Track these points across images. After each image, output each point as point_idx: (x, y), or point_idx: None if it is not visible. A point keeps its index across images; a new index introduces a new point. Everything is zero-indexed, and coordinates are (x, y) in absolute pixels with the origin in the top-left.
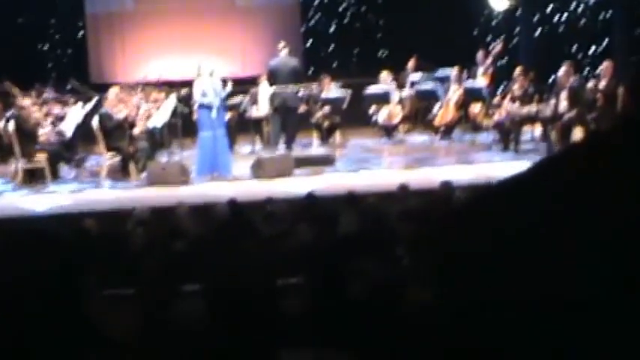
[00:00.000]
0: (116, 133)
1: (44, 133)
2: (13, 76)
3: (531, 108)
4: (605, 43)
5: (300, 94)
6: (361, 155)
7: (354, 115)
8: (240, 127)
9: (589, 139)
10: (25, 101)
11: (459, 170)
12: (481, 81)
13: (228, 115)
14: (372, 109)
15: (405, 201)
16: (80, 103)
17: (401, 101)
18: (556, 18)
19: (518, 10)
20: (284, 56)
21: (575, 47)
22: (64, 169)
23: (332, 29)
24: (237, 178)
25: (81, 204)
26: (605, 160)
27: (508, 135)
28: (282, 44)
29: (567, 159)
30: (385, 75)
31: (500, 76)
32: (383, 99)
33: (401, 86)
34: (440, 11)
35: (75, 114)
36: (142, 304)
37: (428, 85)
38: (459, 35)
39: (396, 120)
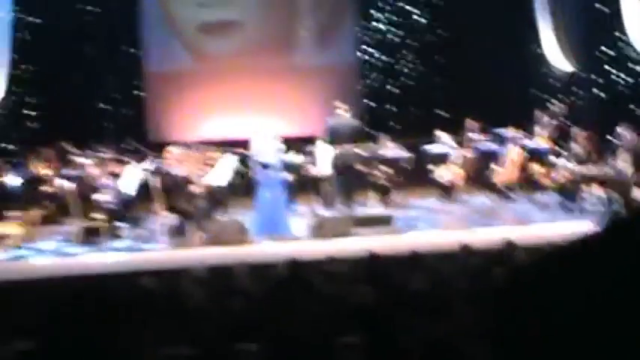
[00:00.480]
0: (174, 191)
1: (102, 191)
2: (71, 135)
3: (591, 168)
4: None
5: (359, 153)
6: (420, 215)
7: (413, 175)
8: (299, 186)
9: None
10: (83, 160)
11: (520, 230)
12: (541, 141)
13: (287, 175)
14: (431, 168)
15: (465, 260)
16: (138, 162)
17: (460, 161)
18: (617, 79)
19: (578, 70)
20: (343, 116)
21: (635, 108)
22: (122, 228)
23: (391, 89)
24: (296, 238)
25: (139, 262)
26: None
27: (568, 195)
28: (340, 104)
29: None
30: (444, 135)
31: (560, 137)
32: (442, 158)
33: (460, 146)
34: (499, 71)
35: (133, 173)
36: None
37: (487, 145)
38: (518, 95)
39: (455, 179)
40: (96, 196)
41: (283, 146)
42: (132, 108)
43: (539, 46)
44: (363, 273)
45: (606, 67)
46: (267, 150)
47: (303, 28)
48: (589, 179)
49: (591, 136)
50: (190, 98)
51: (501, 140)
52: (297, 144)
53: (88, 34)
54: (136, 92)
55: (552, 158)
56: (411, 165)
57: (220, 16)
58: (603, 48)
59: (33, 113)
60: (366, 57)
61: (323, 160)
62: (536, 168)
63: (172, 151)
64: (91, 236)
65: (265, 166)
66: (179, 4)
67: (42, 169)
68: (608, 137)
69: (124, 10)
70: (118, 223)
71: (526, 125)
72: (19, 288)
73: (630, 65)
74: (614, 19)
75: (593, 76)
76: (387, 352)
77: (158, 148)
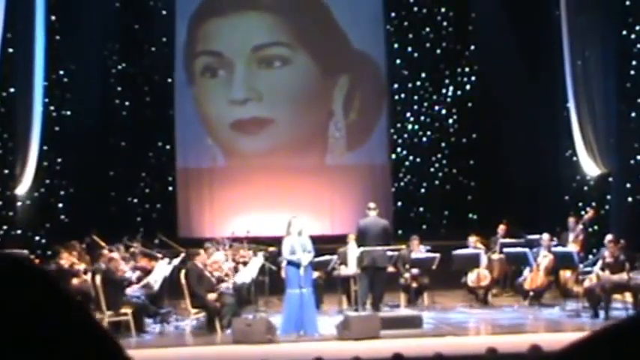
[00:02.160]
0: (202, 288)
1: (131, 286)
2: (102, 229)
3: (622, 276)
4: None
5: (389, 254)
6: (449, 318)
7: (443, 278)
8: (328, 285)
9: None
10: (113, 254)
11: (548, 336)
12: (572, 247)
13: (316, 274)
14: (462, 271)
15: None
16: (168, 258)
17: (490, 264)
18: None
19: (610, 176)
20: (374, 216)
21: None
22: (150, 323)
23: (422, 190)
24: (324, 338)
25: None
26: None
27: (598, 303)
28: (372, 205)
29: None
30: (474, 238)
31: (591, 243)
32: (472, 262)
33: (490, 250)
34: (531, 176)
35: (162, 268)
36: None
37: (518, 250)
38: (549, 201)
39: (484, 283)
40: (124, 290)
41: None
42: (164, 203)
43: (574, 152)
44: None
45: (638, 172)
46: (297, 248)
47: (335, 127)
48: (619, 287)
49: (623, 243)
50: (222, 195)
51: (532, 246)
52: (329, 243)
53: (121, 129)
54: (168, 188)
55: (583, 265)
56: (440, 268)
57: (253, 114)
58: (635, 153)
59: (62, 205)
60: (399, 158)
61: (353, 260)
62: (566, 275)
63: (204, 248)
64: (117, 330)
65: (295, 264)
66: (213, 102)
67: (71, 262)
68: None
69: (159, 107)
70: (145, 319)
71: (558, 231)
72: None
73: None
74: None
75: (625, 182)
76: None
77: (189, 244)
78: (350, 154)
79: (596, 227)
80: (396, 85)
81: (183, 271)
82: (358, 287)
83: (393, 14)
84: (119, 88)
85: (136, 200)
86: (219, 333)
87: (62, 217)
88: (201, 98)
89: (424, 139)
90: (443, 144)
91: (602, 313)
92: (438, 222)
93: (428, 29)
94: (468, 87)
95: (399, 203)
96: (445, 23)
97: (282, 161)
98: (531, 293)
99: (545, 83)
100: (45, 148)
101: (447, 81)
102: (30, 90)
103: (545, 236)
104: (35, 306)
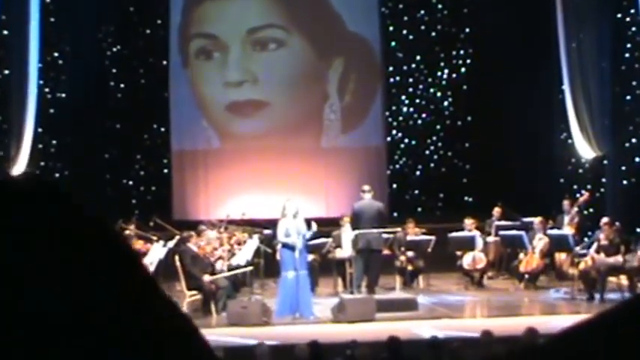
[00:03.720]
0: (197, 270)
1: None
2: (96, 210)
3: (617, 258)
4: None
5: (384, 237)
6: (444, 300)
7: (438, 260)
8: (323, 268)
9: None
10: None
11: (543, 319)
12: (567, 230)
13: (311, 257)
14: (457, 254)
15: (488, 347)
16: (163, 240)
17: (485, 247)
18: None
19: (605, 159)
20: (368, 199)
21: None
22: None
23: (417, 173)
24: (319, 320)
25: None
26: None
27: (593, 285)
28: (367, 187)
29: None
30: (470, 221)
31: (587, 226)
32: (467, 244)
33: (485, 233)
34: (526, 159)
35: (157, 251)
36: None
37: (513, 232)
38: (545, 183)
39: (480, 266)
40: None
41: (310, 227)
42: (158, 186)
43: (569, 134)
44: (384, 358)
45: (633, 155)
46: (292, 231)
47: (330, 109)
48: (614, 270)
49: (618, 226)
50: (217, 177)
51: (528, 228)
52: (323, 225)
53: (117, 111)
54: (163, 170)
55: (578, 248)
56: (435, 250)
57: (248, 96)
58: (629, 136)
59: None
60: (394, 140)
61: (348, 243)
62: (562, 257)
63: (198, 230)
64: None
65: (289, 246)
66: (208, 84)
67: None
68: (635, 227)
69: (154, 89)
70: None
71: (554, 214)
72: None
73: None
74: None
75: (620, 165)
76: None
77: (184, 226)
78: (345, 137)
79: (591, 210)
80: (391, 68)
81: (178, 254)
82: (353, 270)
83: None
84: (114, 71)
85: (131, 183)
86: (214, 315)
87: None
88: (196, 80)
89: (419, 121)
90: (438, 126)
91: (597, 296)
92: (434, 204)
93: (423, 12)
94: (463, 69)
95: (394, 186)
96: (440, 6)
97: (278, 143)
98: (527, 276)
99: (540, 66)
100: (40, 130)
101: (442, 63)
102: (25, 72)
103: (540, 218)
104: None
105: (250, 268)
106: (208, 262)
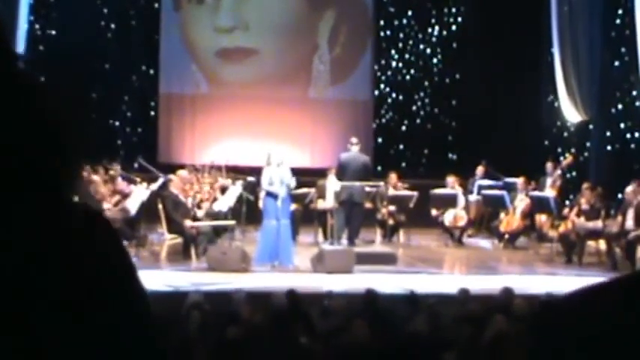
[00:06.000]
0: (179, 215)
1: (108, 209)
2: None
3: (597, 223)
4: None
5: (367, 190)
6: (423, 256)
7: (420, 216)
8: (305, 218)
9: None
10: (93, 177)
11: (520, 279)
12: (549, 192)
13: (293, 206)
14: (438, 211)
15: (464, 305)
16: (147, 182)
17: (467, 205)
18: (628, 135)
19: (590, 124)
20: (355, 152)
21: None
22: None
23: (403, 128)
24: (298, 270)
25: None
26: None
27: (572, 248)
28: (354, 140)
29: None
30: (452, 178)
31: (569, 189)
32: (449, 202)
33: (467, 191)
34: (512, 120)
35: (140, 193)
36: None
37: (495, 192)
38: (529, 145)
39: (460, 223)
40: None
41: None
42: (145, 128)
43: (556, 97)
44: (360, 310)
45: (619, 121)
46: (276, 179)
47: (320, 60)
48: (594, 234)
49: (599, 190)
50: (203, 122)
51: (510, 189)
52: (308, 175)
53: (106, 51)
54: (150, 112)
55: (559, 210)
56: (417, 205)
57: (238, 43)
58: (616, 102)
59: None
60: (382, 95)
61: (331, 194)
62: (542, 219)
63: (181, 174)
64: None
65: (273, 195)
66: (199, 29)
67: None
68: (617, 193)
69: (144, 31)
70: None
71: (537, 176)
72: None
73: None
74: (631, 71)
75: (605, 130)
76: None
77: (168, 169)
78: (333, 89)
79: (574, 173)
80: (382, 22)
81: (161, 197)
82: (334, 221)
83: None
84: (105, 10)
85: (117, 123)
86: (194, 260)
87: None
88: (187, 25)
89: (407, 77)
90: (426, 83)
91: (575, 259)
92: (418, 160)
93: None
94: (453, 27)
95: (380, 140)
96: None
97: (265, 92)
98: (506, 236)
99: (531, 27)
100: (29, 67)
101: (433, 20)
102: (15, 7)
103: (523, 179)
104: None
105: (233, 222)
106: (190, 207)
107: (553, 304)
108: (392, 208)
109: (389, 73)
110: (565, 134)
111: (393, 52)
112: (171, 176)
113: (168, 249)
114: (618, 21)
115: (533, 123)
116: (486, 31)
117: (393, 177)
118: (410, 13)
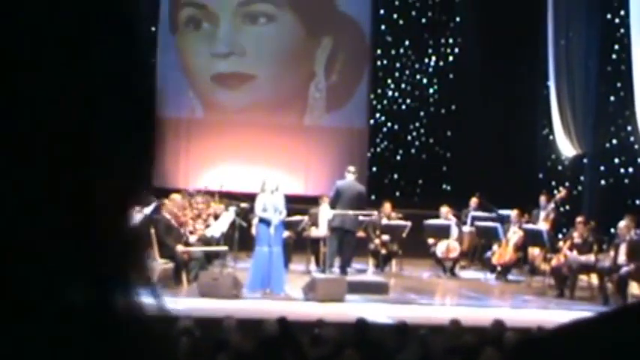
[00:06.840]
0: (171, 239)
1: None
2: None
3: (590, 257)
4: None
5: (360, 219)
6: (415, 286)
7: (412, 246)
8: (298, 245)
9: None
10: None
11: (512, 312)
12: (542, 225)
13: (286, 233)
14: (431, 241)
15: (455, 336)
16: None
17: (460, 236)
18: (622, 170)
19: (585, 158)
20: (352, 180)
21: (638, 201)
22: None
23: (398, 158)
24: (289, 297)
25: None
26: None
27: (564, 282)
28: (352, 168)
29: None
30: (446, 209)
31: (562, 223)
32: (443, 232)
33: (461, 222)
34: (507, 152)
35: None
36: None
37: (489, 224)
38: (523, 177)
39: (453, 254)
40: None
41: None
42: None
43: (551, 130)
44: (351, 339)
45: (613, 156)
46: (269, 206)
47: (316, 88)
48: (586, 268)
49: (592, 225)
50: (198, 147)
51: (504, 221)
52: (301, 203)
53: None
54: None
55: (552, 243)
56: (410, 236)
57: (235, 69)
58: (611, 136)
59: None
60: (377, 124)
61: (324, 222)
62: (535, 252)
63: (174, 199)
64: None
65: (266, 221)
66: (195, 54)
67: None
68: (610, 228)
69: None
70: None
71: (530, 208)
72: None
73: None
74: (627, 106)
75: (599, 165)
76: None
77: (161, 194)
78: (328, 116)
79: (567, 207)
80: (379, 51)
81: (152, 221)
82: (327, 249)
83: None
84: None
85: None
86: (185, 285)
87: None
88: (184, 49)
89: (403, 106)
90: (422, 113)
91: (567, 293)
92: (412, 190)
93: None
94: (450, 58)
95: (374, 169)
96: None
97: (261, 118)
98: (499, 268)
99: (527, 61)
100: None
101: (430, 50)
102: None
103: (516, 211)
104: None
105: (225, 248)
106: (182, 232)
107: (537, 339)
108: (385, 237)
109: (385, 102)
110: (559, 168)
111: (389, 81)
112: (165, 200)
113: (160, 274)
114: (614, 56)
115: (528, 156)
116: (483, 62)
117: (387, 206)
118: (407, 42)
